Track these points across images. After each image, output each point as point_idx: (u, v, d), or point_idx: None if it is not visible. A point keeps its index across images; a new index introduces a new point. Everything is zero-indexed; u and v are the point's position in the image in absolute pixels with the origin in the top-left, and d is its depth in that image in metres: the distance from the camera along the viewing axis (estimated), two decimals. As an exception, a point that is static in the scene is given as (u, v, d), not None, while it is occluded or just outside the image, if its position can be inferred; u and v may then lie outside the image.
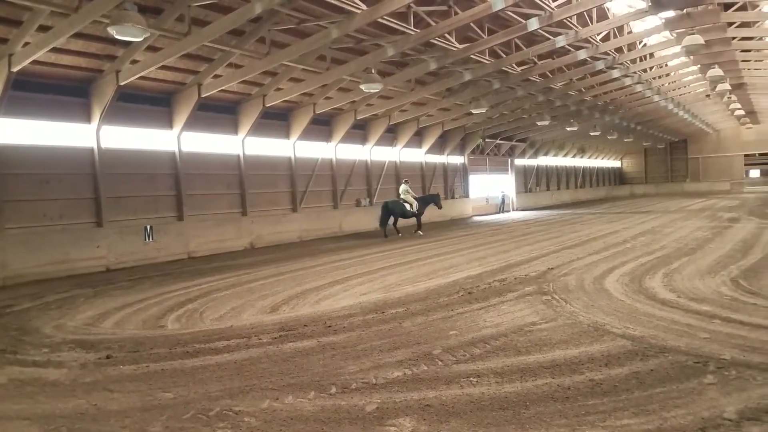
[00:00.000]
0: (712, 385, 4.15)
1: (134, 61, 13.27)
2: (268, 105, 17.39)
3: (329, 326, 6.50)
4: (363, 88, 15.70)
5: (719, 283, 7.91)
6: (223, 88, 15.34)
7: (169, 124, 15.93)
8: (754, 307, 6.38)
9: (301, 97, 18.78)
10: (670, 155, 54.72)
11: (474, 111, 21.77)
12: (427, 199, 20.47)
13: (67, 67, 13.09)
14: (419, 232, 19.83)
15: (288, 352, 5.60)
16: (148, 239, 14.74)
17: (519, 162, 37.58)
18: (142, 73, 13.26)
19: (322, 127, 21.45)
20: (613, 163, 56.53)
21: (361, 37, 14.62)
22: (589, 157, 49.47)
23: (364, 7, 12.17)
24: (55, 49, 11.82)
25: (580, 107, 28.12)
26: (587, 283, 8.36)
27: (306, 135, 20.26)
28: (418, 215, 19.89)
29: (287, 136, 19.97)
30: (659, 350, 4.99)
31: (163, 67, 13.97)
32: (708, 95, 31.61)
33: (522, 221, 24.77)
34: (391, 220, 19.79)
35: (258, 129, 18.33)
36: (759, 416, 3.61)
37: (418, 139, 27.00)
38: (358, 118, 21.48)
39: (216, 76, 15.15)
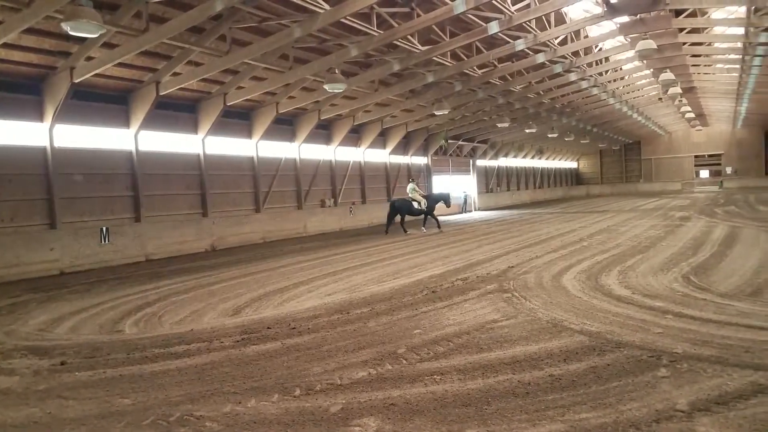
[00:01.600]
0: (665, 378, 4.29)
1: (89, 58, 12.86)
2: (229, 104, 17.13)
3: (293, 328, 6.44)
4: (327, 88, 15.64)
5: (671, 279, 8.19)
6: (182, 86, 15.02)
7: (126, 122, 15.50)
8: (704, 302, 6.63)
9: (264, 96, 18.57)
10: (624, 156, 56.53)
11: (437, 112, 21.97)
12: (436, 197, 20.60)
13: (18, 63, 12.59)
14: (423, 229, 19.91)
15: (251, 355, 5.52)
16: (104, 241, 14.30)
17: (480, 163, 38.10)
18: (97, 71, 12.86)
19: (285, 126, 21.26)
20: (570, 164, 57.97)
21: (325, 36, 14.56)
22: (547, 159, 50.59)
23: (327, 6, 12.11)
24: (5, 45, 11.36)
25: (538, 110, 28.73)
26: (546, 281, 8.54)
27: (269, 135, 20.04)
28: (428, 213, 19.98)
29: (249, 135, 19.70)
30: (615, 345, 5.13)
31: (120, 65, 13.58)
32: (660, 98, 32.77)
33: (484, 221, 25.10)
34: (398, 218, 20.09)
35: (219, 128, 18.03)
36: (709, 407, 3.75)
37: (382, 139, 27.06)
38: (322, 118, 21.39)
39: (175, 74, 14.82)
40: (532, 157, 47.00)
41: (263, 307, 7.79)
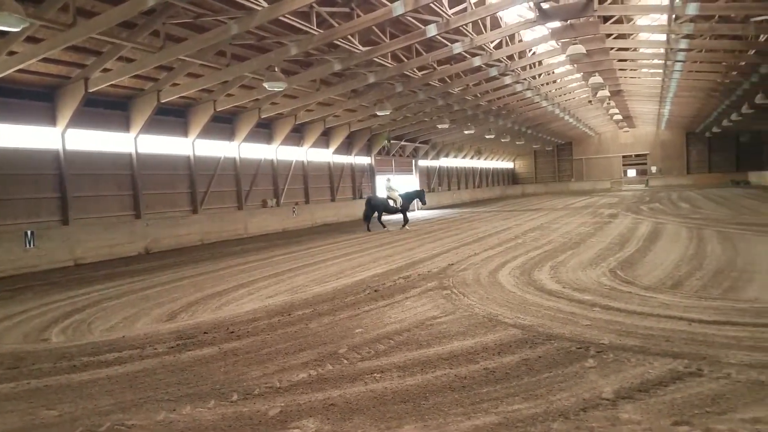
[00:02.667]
0: (592, 368, 4.49)
1: (12, 53, 12.08)
2: (163, 101, 16.53)
3: (232, 332, 6.30)
4: (266, 87, 15.38)
5: (599, 274, 8.59)
6: (113, 82, 14.40)
7: (52, 120, 14.68)
8: (629, 295, 6.98)
9: (200, 94, 18.07)
10: (557, 157, 58.76)
11: (379, 113, 22.09)
12: (411, 195, 20.64)
13: (-72, 56, 11.68)
14: (406, 227, 19.90)
15: (186, 361, 5.36)
16: (29, 245, 13.49)
17: (422, 163, 38.59)
18: (20, 66, 12.11)
19: (224, 125, 20.77)
20: (507, 164, 59.67)
21: (263, 34, 14.32)
22: (485, 159, 51.86)
23: (265, 4, 11.93)
24: None
25: (476, 111, 29.41)
26: (483, 277, 8.76)
27: (206, 133, 19.51)
28: (402, 211, 20.04)
29: (186, 133, 19.11)
30: (546, 338, 5.33)
31: (46, 60, 12.87)
32: (590, 101, 34.27)
33: (426, 220, 25.42)
34: (378, 215, 20.13)
35: (153, 126, 17.39)
36: (632, 395, 3.95)
37: (325, 139, 26.92)
38: (263, 116, 21.02)
39: (105, 70, 14.18)
40: (472, 158, 48.07)
41: (200, 312, 7.58)
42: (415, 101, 24.27)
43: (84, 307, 8.37)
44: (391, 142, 31.27)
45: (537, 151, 58.63)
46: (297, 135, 24.85)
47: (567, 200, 36.22)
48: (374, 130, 29.34)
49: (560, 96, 31.47)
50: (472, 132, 32.14)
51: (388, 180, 21.12)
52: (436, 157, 40.41)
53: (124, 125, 16.85)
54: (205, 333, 6.32)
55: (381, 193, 29.50)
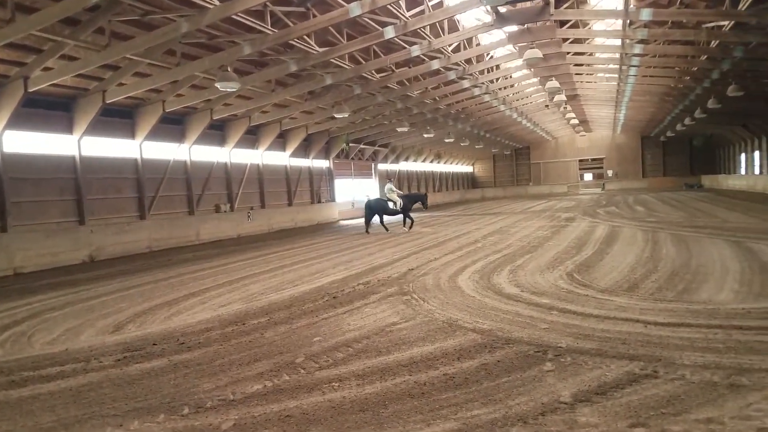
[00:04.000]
0: (550, 372, 4.59)
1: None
2: (109, 101, 16.04)
3: (182, 343, 6.15)
4: (219, 87, 15.12)
5: (557, 277, 8.80)
6: (54, 81, 13.88)
7: (-13, 121, 14.02)
8: (586, 298, 7.18)
9: (148, 94, 17.63)
10: (515, 161, 60.06)
11: (337, 115, 22.07)
12: (413, 197, 20.58)
13: None
14: (404, 228, 19.86)
15: (134, 374, 5.20)
16: (-38, 255, 12.82)
17: (382, 167, 38.73)
18: (-50, 62, 11.54)
19: (174, 126, 20.32)
20: (466, 168, 60.57)
21: (215, 33, 14.10)
22: (445, 163, 52.50)
23: (216, 2, 11.75)
24: None
25: (435, 115, 29.73)
26: (443, 282, 8.85)
27: (155, 135, 19.04)
28: (404, 212, 19.89)
29: (133, 135, 18.60)
30: (505, 342, 5.42)
31: (-21, 56, 12.29)
32: (547, 105, 35.18)
33: (386, 224, 25.49)
34: (378, 218, 20.08)
35: (98, 128, 16.86)
36: (590, 398, 4.06)
37: (281, 141, 26.69)
38: (215, 117, 20.66)
39: (46, 69, 13.65)
40: (431, 162, 48.56)
41: (148, 322, 7.37)
42: (374, 104, 24.36)
43: (24, 318, 8.02)
44: (350, 145, 31.29)
45: (496, 155, 59.78)
46: (252, 137, 24.54)
47: (525, 204, 36.99)
48: (332, 132, 29.30)
49: (518, 100, 32.17)
50: (431, 136, 32.51)
51: (390, 180, 21.24)
52: (396, 160, 40.66)
53: (67, 127, 16.26)
54: (153, 344, 6.14)
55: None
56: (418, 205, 20.90)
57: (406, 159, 42.63)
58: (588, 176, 58.42)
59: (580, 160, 57.48)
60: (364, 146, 34.50)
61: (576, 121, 43.96)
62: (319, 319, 6.86)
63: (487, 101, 29.08)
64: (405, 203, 19.97)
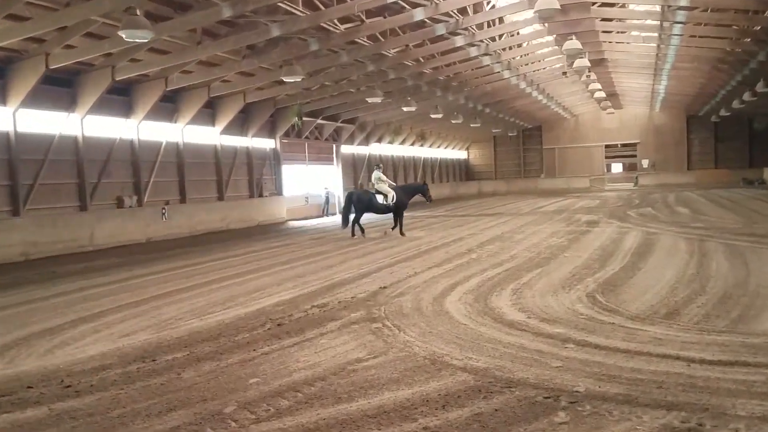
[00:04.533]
0: (564, 424, 4.62)
1: None
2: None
3: (68, 386, 6.04)
4: (124, 36, 14.81)
5: (574, 299, 8.91)
6: None
7: None
8: (611, 327, 7.27)
9: (26, 44, 17.24)
10: (522, 145, 60.80)
11: (286, 79, 21.92)
12: (409, 189, 20.56)
13: None
14: (397, 231, 19.69)
15: (1, 428, 5.08)
16: None
17: (347, 150, 38.72)
18: None
19: (61, 89, 19.98)
20: (458, 153, 60.95)
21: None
22: (430, 146, 52.73)
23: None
24: None
25: (418, 82, 29.83)
26: (425, 305, 8.88)
27: (35, 100, 18.65)
28: (397, 210, 19.74)
29: (3, 101, 18.17)
30: (505, 384, 5.46)
31: None
32: (565, 72, 35.67)
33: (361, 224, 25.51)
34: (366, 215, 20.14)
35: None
36: (614, 457, 4.12)
37: (210, 113, 26.51)
38: (118, 78, 20.32)
39: None
40: (412, 144, 48.75)
41: (22, 357, 7.21)
42: (337, 65, 24.34)
43: None
44: (304, 119, 31.17)
45: (497, 138, 60.33)
46: (169, 106, 24.29)
47: (535, 202, 37.35)
48: (280, 102, 29.16)
49: (527, 65, 32.52)
50: (413, 110, 32.60)
51: (378, 167, 20.99)
52: (366, 141, 40.71)
53: None
54: (29, 387, 6.02)
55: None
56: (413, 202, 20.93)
57: (379, 140, 42.73)
58: (617, 167, 59.50)
59: (607, 146, 58.45)
60: (322, 122, 34.43)
61: (602, 95, 44.62)
62: (258, 354, 6.81)
63: (487, 65, 29.31)
64: (399, 197, 19.83)
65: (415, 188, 21.14)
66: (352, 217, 19.80)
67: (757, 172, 50.43)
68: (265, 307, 9.28)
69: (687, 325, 7.27)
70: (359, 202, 19.67)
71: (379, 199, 19.62)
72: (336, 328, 7.76)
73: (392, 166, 45.90)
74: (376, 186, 19.98)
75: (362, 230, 20.01)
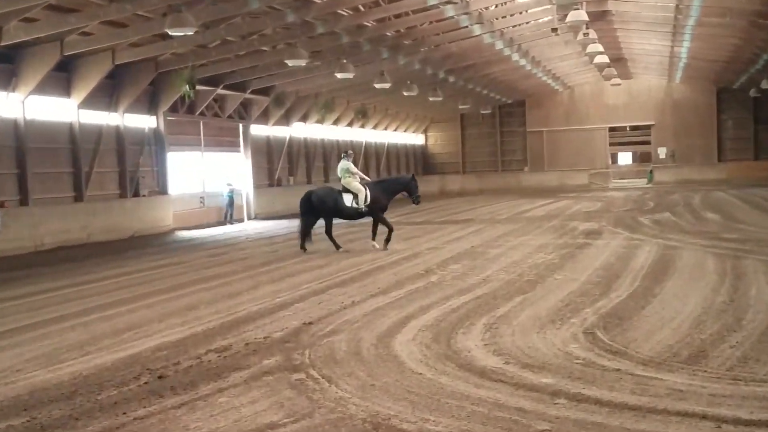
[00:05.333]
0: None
1: None
2: None
3: None
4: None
5: (567, 337, 9.01)
6: None
7: None
8: (616, 375, 7.36)
9: None
10: (500, 127, 60.99)
11: (173, 32, 21.67)
12: (390, 186, 20.50)
13: None
14: (374, 244, 19.64)
15: None
16: None
17: (259, 131, 38.53)
18: None
19: None
20: (412, 138, 61.08)
21: None
22: (374, 127, 52.73)
23: None
24: None
25: (357, 39, 29.82)
26: (366, 347, 8.88)
27: None
28: (374, 213, 19.62)
29: None
30: (473, 459, 5.50)
31: None
32: (555, 29, 36.04)
33: (265, 238, 25.48)
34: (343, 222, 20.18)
35: None
36: None
37: (63, 79, 26.08)
38: None
39: None
40: (350, 125, 48.71)
41: None
42: (244, 13, 24.20)
43: None
44: (198, 88, 30.78)
45: (466, 117, 60.65)
46: (4, 68, 23.77)
47: (517, 205, 37.72)
48: (164, 65, 28.76)
49: (503, 17, 32.79)
50: (350, 77, 32.53)
51: (346, 155, 20.68)
52: (285, 120, 40.52)
53: None
54: None
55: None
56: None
57: (304, 118, 42.55)
58: (625, 157, 60.49)
59: (612, 130, 59.29)
60: (224, 92, 34.11)
61: (605, 60, 45.08)
62: (130, 419, 6.70)
63: (452, 17, 29.47)
64: (375, 197, 19.77)
65: (397, 184, 20.98)
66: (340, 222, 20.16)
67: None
68: (141, 353, 9.15)
69: (717, 373, 7.38)
70: (322, 204, 19.65)
71: (347, 199, 19.58)
72: (241, 381, 7.68)
73: (321, 154, 45.84)
74: (343, 181, 19.94)
75: (336, 245, 19.86)
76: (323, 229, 20.13)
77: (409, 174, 22.01)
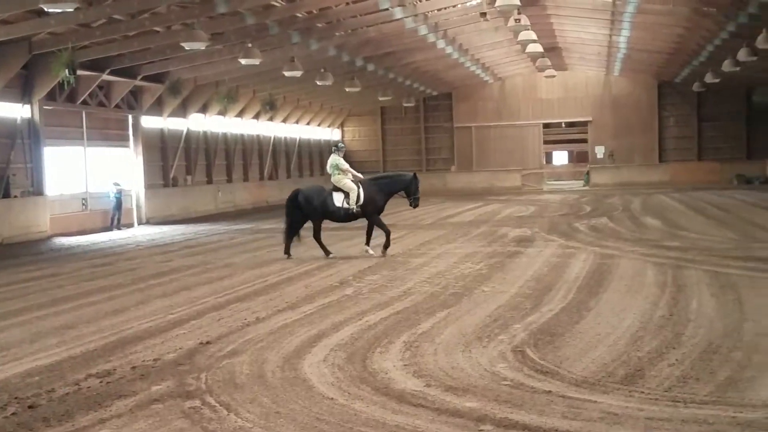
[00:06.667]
0: None
1: None
2: None
3: None
4: None
5: (495, 356, 9.11)
6: None
7: None
8: (547, 397, 7.46)
9: None
10: (424, 122, 61.41)
11: (48, 8, 21.31)
12: (387, 184, 20.23)
13: None
14: (368, 249, 19.56)
15: None
16: None
17: (151, 123, 38.17)
18: None
19: None
20: (327, 132, 61.10)
21: None
22: (284, 121, 52.60)
23: None
24: None
25: (264, 20, 29.74)
26: (272, 369, 8.85)
27: None
28: (368, 215, 19.46)
29: None
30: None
31: None
32: (484, 13, 36.45)
33: (157, 246, 25.31)
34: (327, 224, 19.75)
35: None
36: None
37: None
38: None
39: None
40: (256, 117, 48.49)
41: None
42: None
43: None
44: (79, 73, 30.26)
45: (387, 110, 60.90)
46: None
47: (442, 209, 37.98)
48: (39, 45, 28.24)
49: (428, 0, 33.01)
50: (256, 63, 32.41)
51: (337, 148, 20.51)
52: (182, 111, 40.21)
53: None
54: None
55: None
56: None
57: (204, 109, 42.24)
58: (561, 156, 61.44)
59: (546, 126, 60.17)
60: (111, 78, 33.67)
61: (538, 48, 45.56)
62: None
63: (371, -1, 29.59)
64: (370, 196, 19.66)
65: (395, 183, 20.75)
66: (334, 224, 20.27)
67: (758, 166, 52.94)
68: (9, 379, 8.97)
69: (654, 394, 7.53)
70: (309, 204, 19.55)
71: (337, 199, 19.43)
72: (126, 411, 7.56)
73: (224, 153, 45.55)
74: (333, 178, 19.78)
75: (326, 251, 19.73)
76: (321, 229, 20.04)
77: (410, 172, 21.70)
